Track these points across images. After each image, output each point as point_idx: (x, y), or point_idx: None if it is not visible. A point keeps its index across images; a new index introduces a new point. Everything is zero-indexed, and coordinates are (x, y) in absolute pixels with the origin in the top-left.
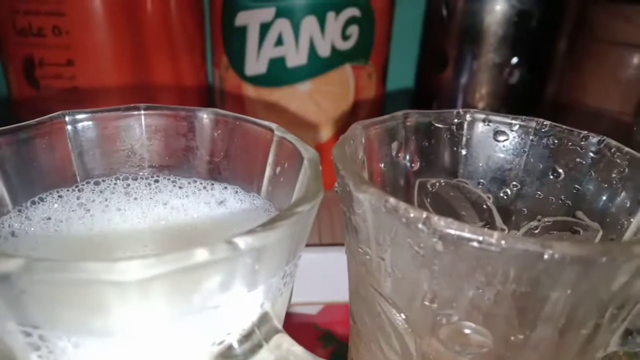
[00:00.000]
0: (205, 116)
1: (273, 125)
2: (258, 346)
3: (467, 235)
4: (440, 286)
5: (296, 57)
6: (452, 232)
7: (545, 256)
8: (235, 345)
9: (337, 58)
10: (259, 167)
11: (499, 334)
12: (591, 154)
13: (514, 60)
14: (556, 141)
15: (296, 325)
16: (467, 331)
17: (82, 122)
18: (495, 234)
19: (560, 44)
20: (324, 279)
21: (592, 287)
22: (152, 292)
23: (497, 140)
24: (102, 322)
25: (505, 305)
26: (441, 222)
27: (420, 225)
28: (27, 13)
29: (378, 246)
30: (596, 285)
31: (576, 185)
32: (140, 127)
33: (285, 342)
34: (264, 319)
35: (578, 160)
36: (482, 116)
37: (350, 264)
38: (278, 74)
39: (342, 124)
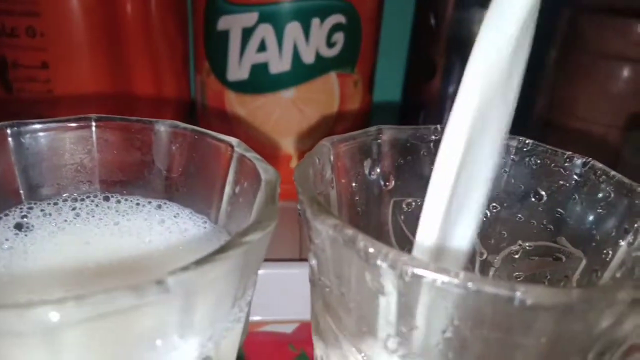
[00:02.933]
0: (162, 129)
1: (234, 141)
2: None
3: (430, 274)
4: (402, 328)
5: (279, 64)
6: (414, 270)
7: (516, 302)
8: None
9: (322, 65)
10: (218, 185)
11: None
12: (575, 177)
13: None
14: (539, 161)
15: (269, 345)
16: None
17: (27, 135)
18: (462, 274)
19: (551, 55)
20: (299, 295)
21: (571, 333)
22: (64, 345)
23: None
24: None
25: (474, 352)
26: (402, 259)
27: (379, 262)
28: None
29: (337, 280)
30: (575, 332)
31: (559, 209)
32: (91, 139)
33: None
34: None
35: (561, 182)
36: None
37: (311, 293)
38: (261, 80)
39: (327, 133)
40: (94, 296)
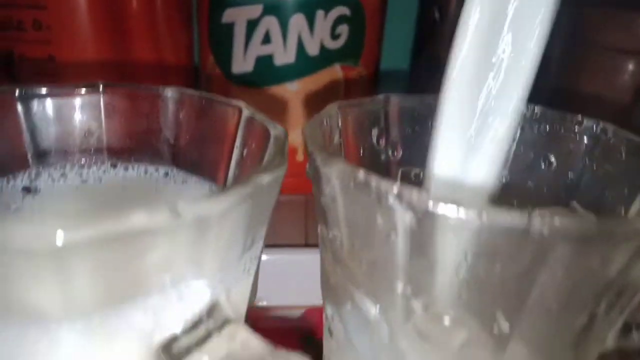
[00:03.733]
0: (169, 95)
1: (241, 104)
2: (207, 337)
3: (442, 208)
4: (415, 270)
5: (284, 56)
6: (426, 206)
7: (533, 233)
8: (180, 336)
9: (327, 57)
10: (226, 149)
11: (482, 324)
12: (586, 140)
13: None
14: (548, 127)
15: (277, 331)
16: (445, 321)
17: (35, 99)
18: (475, 207)
19: (554, 49)
20: (306, 281)
21: (587, 269)
22: (74, 268)
23: None
24: (17, 305)
25: (488, 290)
26: (414, 196)
27: (391, 200)
28: (5, 5)
29: (349, 229)
30: (591, 267)
31: (570, 174)
32: (98, 106)
33: (241, 333)
34: (215, 308)
35: (572, 146)
36: None
37: (322, 254)
38: (265, 73)
39: None
40: (107, 216)
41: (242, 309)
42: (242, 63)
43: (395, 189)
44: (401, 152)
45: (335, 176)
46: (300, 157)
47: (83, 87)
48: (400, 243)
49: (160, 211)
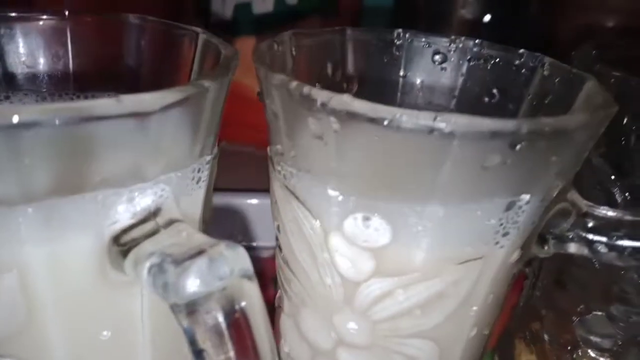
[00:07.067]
0: (133, 21)
1: (198, 29)
2: (154, 232)
3: (361, 112)
4: (342, 173)
5: (262, 4)
6: (349, 109)
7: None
8: (128, 229)
9: (305, 7)
10: (184, 72)
11: (402, 223)
12: (525, 72)
13: (487, 18)
14: (492, 62)
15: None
16: (369, 222)
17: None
18: (385, 109)
19: None
20: None
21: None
22: (27, 151)
23: (434, 62)
24: None
25: (405, 188)
26: (343, 99)
27: (319, 105)
28: None
29: (289, 142)
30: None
31: (510, 107)
32: (65, 33)
33: (187, 229)
34: (163, 210)
35: (514, 79)
36: (421, 36)
37: (270, 174)
38: (244, 22)
39: None
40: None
41: (194, 221)
42: (221, 11)
43: (321, 94)
44: (356, 86)
45: (275, 88)
46: None
47: (48, 14)
48: (330, 149)
49: (105, 99)
